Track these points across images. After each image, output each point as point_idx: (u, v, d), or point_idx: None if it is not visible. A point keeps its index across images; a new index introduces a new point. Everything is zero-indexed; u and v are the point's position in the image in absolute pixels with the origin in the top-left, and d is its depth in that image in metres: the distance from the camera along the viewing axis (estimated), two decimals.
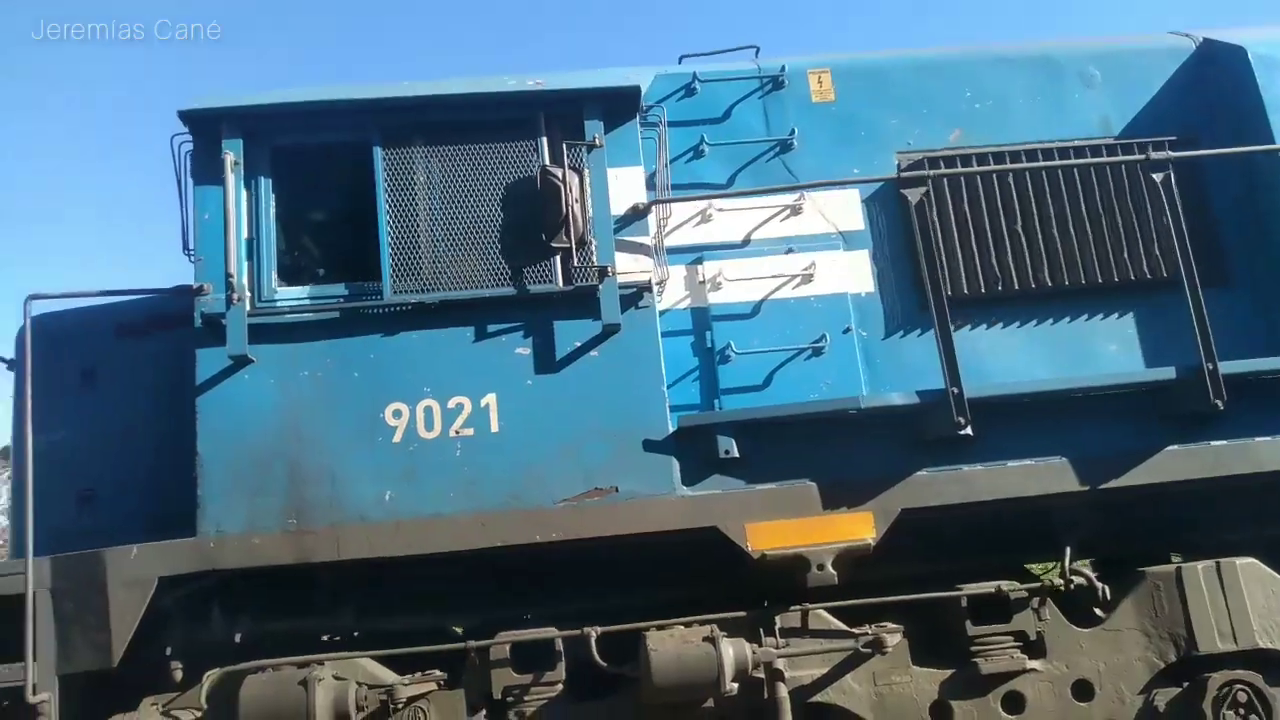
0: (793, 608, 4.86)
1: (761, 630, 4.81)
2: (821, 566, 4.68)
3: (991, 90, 5.62)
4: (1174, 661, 4.87)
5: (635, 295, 4.91)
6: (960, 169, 5.31)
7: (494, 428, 4.71)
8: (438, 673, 4.73)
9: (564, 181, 4.75)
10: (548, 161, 4.92)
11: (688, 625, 4.72)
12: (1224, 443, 4.90)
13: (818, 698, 4.78)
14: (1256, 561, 5.00)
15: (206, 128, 4.85)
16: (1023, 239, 5.31)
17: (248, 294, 4.75)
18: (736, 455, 4.82)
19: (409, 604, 5.02)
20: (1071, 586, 4.96)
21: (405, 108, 4.94)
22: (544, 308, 4.86)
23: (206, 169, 4.83)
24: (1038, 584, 4.94)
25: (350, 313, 4.82)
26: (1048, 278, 5.27)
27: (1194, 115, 5.60)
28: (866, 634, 4.79)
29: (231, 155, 4.76)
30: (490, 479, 4.66)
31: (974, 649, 4.83)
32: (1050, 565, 5.44)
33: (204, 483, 4.57)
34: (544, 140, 4.98)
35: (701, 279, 5.22)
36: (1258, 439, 4.92)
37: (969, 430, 4.69)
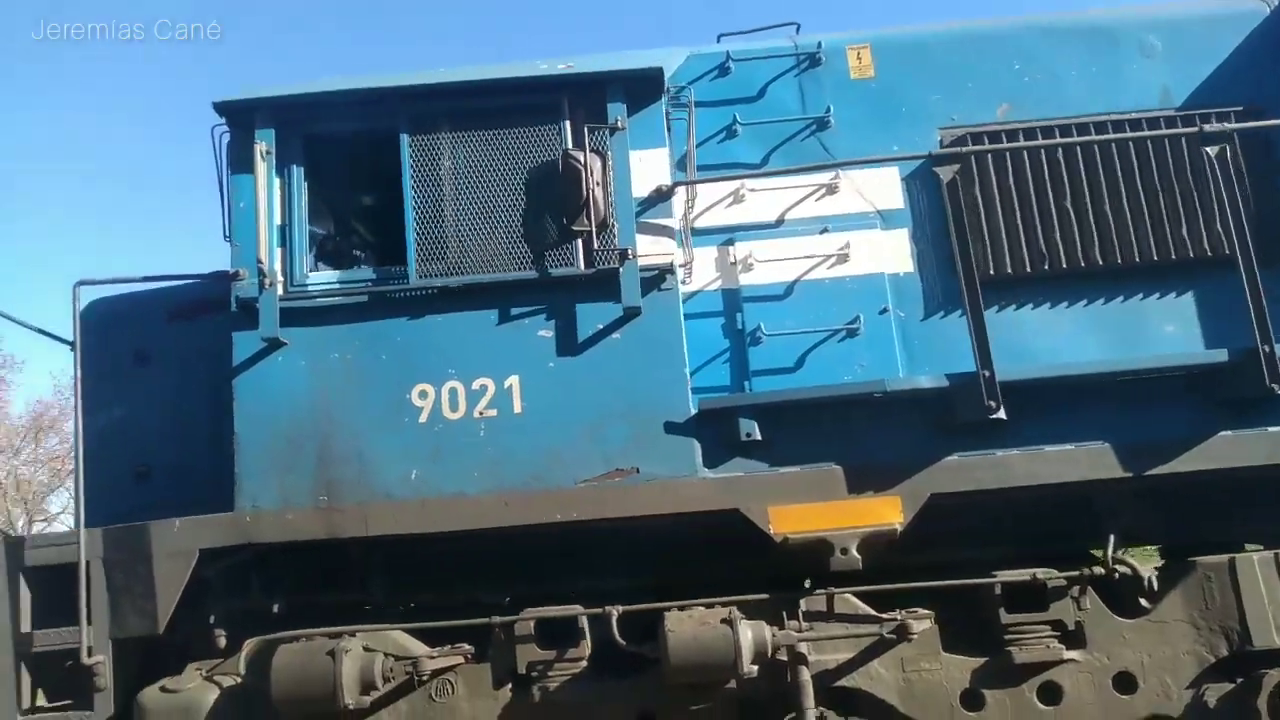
0: (818, 591, 4.81)
1: (785, 614, 4.77)
2: (845, 551, 4.62)
3: (1042, 63, 5.39)
4: (1225, 656, 4.67)
5: (657, 278, 4.89)
6: (989, 145, 5.11)
7: (517, 409, 4.77)
8: (466, 646, 4.85)
9: (585, 165, 4.75)
10: (570, 145, 4.93)
11: (708, 606, 4.72)
12: None
13: (842, 682, 4.74)
14: None
15: (241, 118, 5.00)
16: (1071, 215, 5.08)
17: (280, 279, 4.91)
18: (759, 438, 4.78)
19: (440, 579, 5.15)
20: (1115, 576, 4.77)
21: (431, 95, 5.01)
22: (566, 291, 4.89)
23: (241, 158, 5.00)
24: (1075, 572, 4.75)
25: (378, 296, 4.93)
26: (1098, 256, 5.03)
27: (1267, 86, 5.25)
28: (893, 620, 4.70)
29: (264, 144, 4.91)
30: (513, 459, 4.73)
31: (1008, 638, 4.70)
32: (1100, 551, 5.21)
33: (240, 460, 4.77)
34: (567, 124, 4.99)
35: (733, 260, 5.17)
36: None
37: (1001, 414, 4.54)
